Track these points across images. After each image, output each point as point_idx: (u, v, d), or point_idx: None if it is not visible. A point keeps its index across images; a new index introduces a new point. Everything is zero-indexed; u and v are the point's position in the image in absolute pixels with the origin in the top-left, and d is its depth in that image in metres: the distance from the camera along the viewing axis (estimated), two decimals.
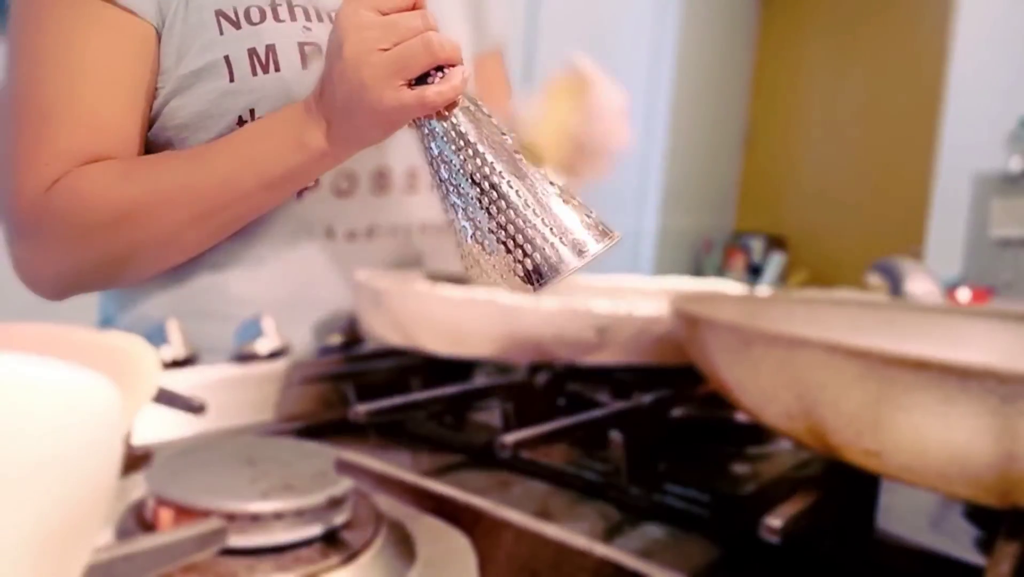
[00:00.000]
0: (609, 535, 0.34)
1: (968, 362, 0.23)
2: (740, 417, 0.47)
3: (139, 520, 0.28)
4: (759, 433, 0.47)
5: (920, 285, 0.62)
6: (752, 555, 0.32)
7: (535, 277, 0.51)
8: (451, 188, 0.52)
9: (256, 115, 0.62)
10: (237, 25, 0.61)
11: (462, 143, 0.51)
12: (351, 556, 0.27)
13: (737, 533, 0.33)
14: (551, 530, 0.23)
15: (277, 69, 0.62)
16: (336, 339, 0.56)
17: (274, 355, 0.53)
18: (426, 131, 0.51)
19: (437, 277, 0.62)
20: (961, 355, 0.24)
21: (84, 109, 0.58)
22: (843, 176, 3.46)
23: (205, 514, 0.26)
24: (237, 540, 0.26)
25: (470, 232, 0.52)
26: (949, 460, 0.25)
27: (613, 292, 0.66)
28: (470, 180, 0.50)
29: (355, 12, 0.52)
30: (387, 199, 0.70)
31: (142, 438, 0.40)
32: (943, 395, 0.24)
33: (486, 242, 0.50)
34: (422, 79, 0.51)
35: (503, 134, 0.53)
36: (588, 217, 0.52)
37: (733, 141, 3.77)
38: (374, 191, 0.69)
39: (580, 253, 0.49)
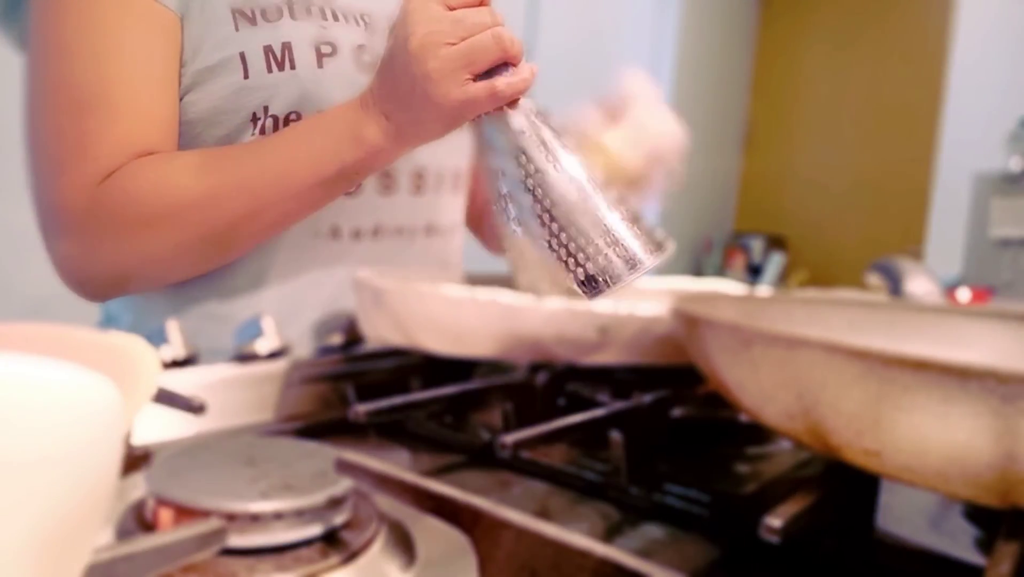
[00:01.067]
0: (609, 535, 0.34)
1: (968, 362, 0.23)
2: (740, 417, 0.47)
3: (139, 520, 0.28)
4: (759, 433, 0.47)
5: (920, 285, 0.62)
6: (752, 555, 0.32)
7: (589, 287, 0.51)
8: (505, 190, 0.51)
9: (270, 112, 0.62)
10: (253, 22, 0.61)
11: (520, 144, 0.51)
12: (351, 556, 0.27)
13: (737, 533, 0.33)
14: (551, 530, 0.23)
15: (292, 67, 0.62)
16: (336, 339, 0.56)
17: (274, 355, 0.53)
18: (485, 129, 0.51)
19: (475, 281, 0.62)
20: (961, 355, 0.24)
21: (129, 99, 0.58)
22: (843, 176, 3.46)
23: (205, 514, 0.26)
24: (237, 540, 0.26)
25: (521, 235, 0.52)
26: (949, 460, 0.25)
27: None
28: (524, 184, 0.50)
29: (424, 6, 0.52)
30: (393, 199, 0.70)
31: (142, 438, 0.40)
32: (943, 395, 0.24)
33: (538, 247, 0.50)
34: (486, 75, 0.51)
35: (562, 138, 0.52)
36: (642, 228, 0.52)
37: (733, 141, 3.77)
38: (380, 191, 0.69)
39: (633, 266, 0.49)
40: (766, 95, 3.74)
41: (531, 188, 0.51)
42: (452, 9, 0.52)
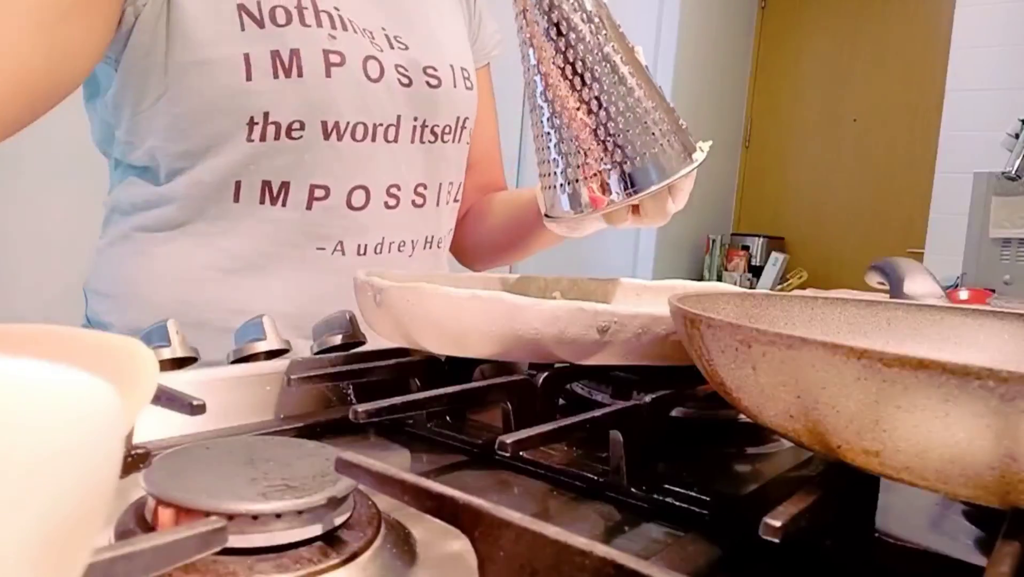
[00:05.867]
0: (609, 535, 0.34)
1: (968, 362, 0.23)
2: (740, 417, 0.47)
3: (139, 520, 0.28)
4: (759, 433, 0.47)
5: (920, 285, 0.62)
6: (752, 555, 0.32)
7: (634, 181, 0.49)
8: (543, 83, 0.49)
9: (271, 119, 0.60)
10: (261, 24, 0.59)
11: (564, 27, 0.48)
12: (351, 556, 0.27)
13: (737, 533, 0.33)
14: (551, 530, 0.23)
15: (300, 75, 0.60)
16: (336, 339, 0.56)
17: (274, 355, 0.53)
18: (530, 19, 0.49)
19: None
20: (961, 355, 0.24)
21: None
22: (843, 176, 3.46)
23: (205, 514, 0.26)
24: (237, 540, 0.26)
25: (556, 138, 0.50)
26: (949, 460, 0.25)
27: (619, 293, 0.66)
28: (593, 60, 0.48)
29: None
30: (396, 213, 0.70)
31: (142, 438, 0.40)
32: (943, 395, 0.24)
33: (579, 144, 0.48)
34: None
35: (608, 19, 0.50)
36: (683, 126, 0.50)
37: (733, 141, 3.77)
38: (386, 206, 0.69)
39: (684, 161, 0.46)
40: (766, 95, 3.74)
41: (578, 68, 0.48)
42: None
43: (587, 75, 0.48)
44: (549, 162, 0.52)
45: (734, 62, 3.69)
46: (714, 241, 3.56)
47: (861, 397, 0.26)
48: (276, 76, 0.60)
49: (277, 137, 0.62)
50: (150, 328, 0.50)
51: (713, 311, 0.35)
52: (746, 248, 3.56)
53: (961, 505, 0.38)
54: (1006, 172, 2.15)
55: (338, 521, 0.28)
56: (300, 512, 0.27)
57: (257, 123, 0.60)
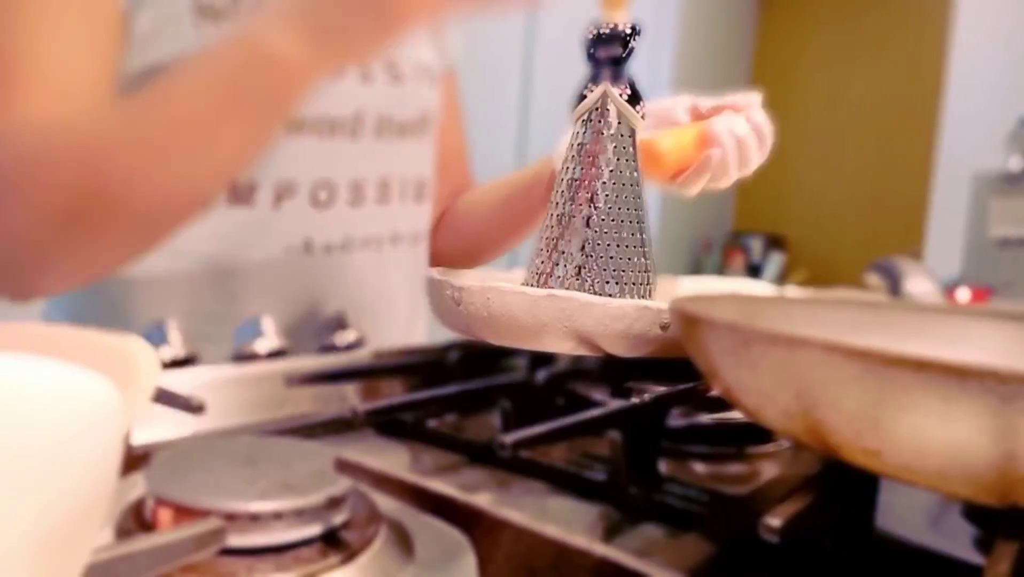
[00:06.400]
0: (608, 535, 0.34)
1: (968, 362, 0.23)
2: (740, 417, 0.47)
3: (138, 520, 0.28)
4: (759, 433, 0.47)
5: (919, 285, 0.62)
6: (751, 554, 0.32)
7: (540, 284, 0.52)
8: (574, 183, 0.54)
9: None
10: (215, 19, 0.59)
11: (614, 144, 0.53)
12: (351, 556, 0.27)
13: (736, 533, 0.33)
14: (551, 530, 0.23)
15: None
16: (336, 339, 0.56)
17: (274, 355, 0.53)
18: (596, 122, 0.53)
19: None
20: (961, 355, 0.24)
21: (38, 73, 0.53)
22: (842, 176, 3.46)
23: (204, 514, 0.26)
24: (236, 540, 0.26)
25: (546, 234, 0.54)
26: (949, 460, 0.25)
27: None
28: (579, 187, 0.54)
29: None
30: (361, 211, 0.70)
31: (142, 438, 0.40)
32: (943, 395, 0.24)
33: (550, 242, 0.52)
34: None
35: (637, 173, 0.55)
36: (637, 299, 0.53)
37: None
38: (351, 203, 0.69)
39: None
40: (765, 95, 3.74)
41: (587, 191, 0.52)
42: None
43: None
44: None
45: (734, 62, 3.69)
46: (713, 240, 3.56)
47: (861, 397, 0.26)
48: None
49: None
50: (150, 328, 0.50)
51: (713, 312, 0.35)
52: (745, 248, 3.56)
53: (960, 504, 0.38)
54: (1006, 172, 2.15)
55: (338, 521, 0.28)
56: (300, 512, 0.27)
57: None
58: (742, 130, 0.66)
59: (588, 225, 0.53)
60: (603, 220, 0.53)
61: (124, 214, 0.51)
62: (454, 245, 0.88)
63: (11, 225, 0.50)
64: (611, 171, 0.53)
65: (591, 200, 0.53)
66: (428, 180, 0.80)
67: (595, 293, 0.51)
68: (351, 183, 0.69)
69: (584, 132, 0.54)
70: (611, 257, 0.53)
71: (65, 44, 0.54)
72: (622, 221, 0.53)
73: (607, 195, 0.53)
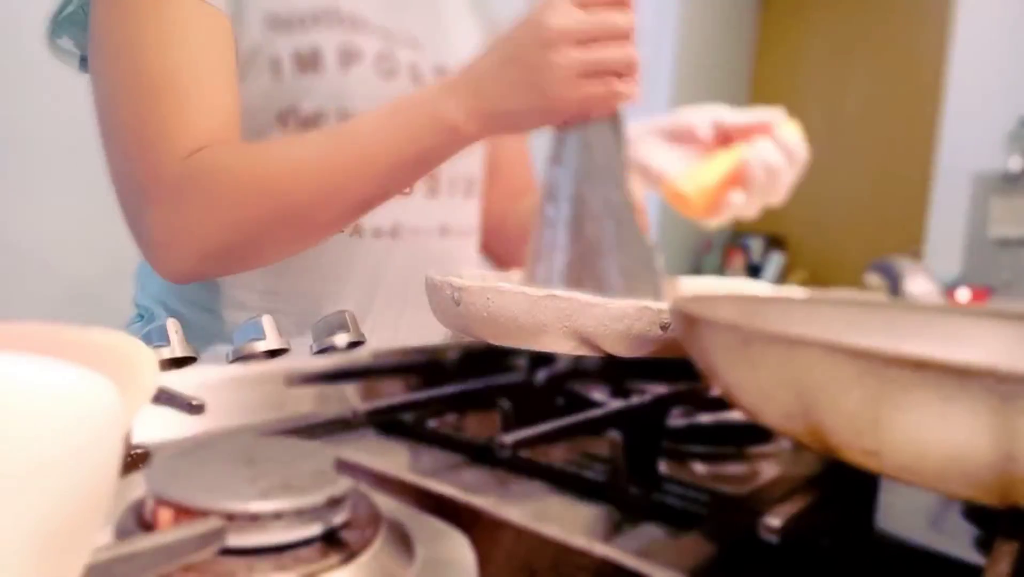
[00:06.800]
0: (608, 535, 0.34)
1: (968, 362, 0.23)
2: (740, 417, 0.47)
3: (138, 520, 0.28)
4: (759, 433, 0.47)
5: (919, 285, 0.62)
6: (751, 554, 0.32)
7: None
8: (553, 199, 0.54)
9: (298, 113, 0.65)
10: (283, 27, 0.64)
11: (590, 156, 0.54)
12: (351, 556, 0.27)
13: (736, 533, 0.33)
14: (550, 530, 0.23)
15: (317, 70, 0.65)
16: (336, 339, 0.56)
17: (274, 355, 0.53)
18: (583, 135, 0.53)
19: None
20: (961, 355, 0.24)
21: (194, 86, 0.60)
22: (843, 176, 3.46)
23: (204, 514, 0.26)
24: (236, 540, 0.26)
25: (544, 246, 0.54)
26: (948, 460, 0.25)
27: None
28: (570, 198, 0.54)
29: (562, 1, 0.53)
30: (408, 201, 0.72)
31: (142, 438, 0.40)
32: (943, 395, 0.24)
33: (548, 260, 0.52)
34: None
35: (625, 170, 0.54)
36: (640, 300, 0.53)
37: None
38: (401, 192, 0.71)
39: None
40: (766, 95, 3.74)
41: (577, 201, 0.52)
42: (586, 6, 0.53)
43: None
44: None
45: (734, 62, 3.69)
46: (713, 240, 3.56)
47: (861, 397, 0.26)
48: (299, 73, 0.65)
49: (304, 129, 0.66)
50: (150, 328, 0.50)
51: (713, 312, 0.35)
52: (745, 248, 3.56)
53: (960, 504, 0.38)
54: (1006, 172, 2.15)
55: (338, 521, 0.28)
56: (300, 512, 0.27)
57: (288, 115, 0.65)
58: (775, 160, 0.66)
59: (577, 228, 0.53)
60: (586, 221, 0.52)
61: (298, 237, 0.61)
62: (511, 248, 0.89)
63: (222, 223, 0.59)
64: (592, 167, 0.53)
65: (577, 201, 0.53)
66: (477, 177, 0.81)
67: (592, 290, 0.52)
68: None
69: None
70: (602, 253, 0.53)
71: (212, 64, 0.61)
72: (604, 220, 0.53)
73: (589, 194, 0.53)
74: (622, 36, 0.53)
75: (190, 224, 0.59)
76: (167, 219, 0.60)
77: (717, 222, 0.67)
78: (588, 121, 0.54)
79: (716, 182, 0.63)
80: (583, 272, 0.53)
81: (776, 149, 0.65)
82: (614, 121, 0.55)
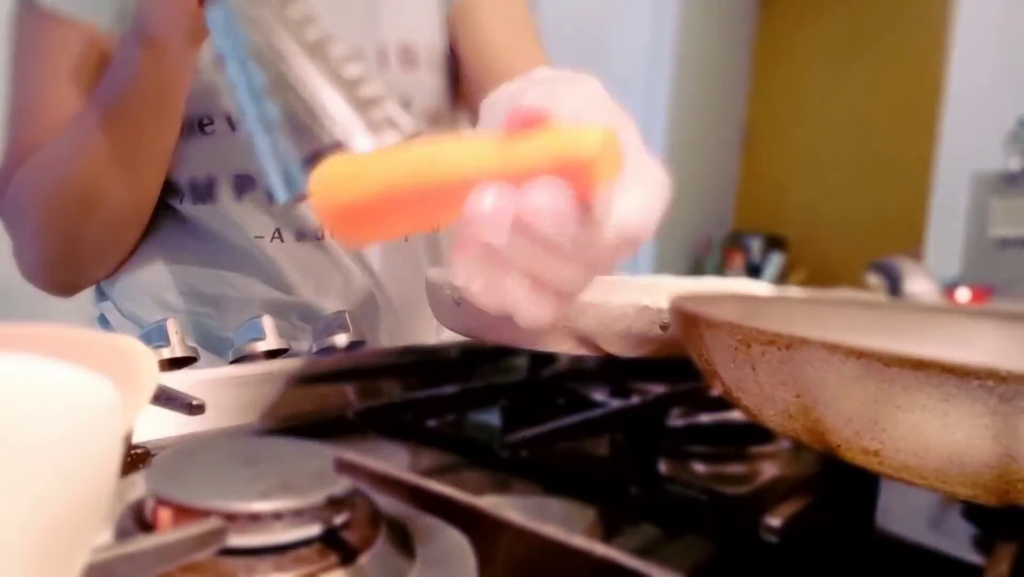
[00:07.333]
0: (608, 535, 0.34)
1: (967, 362, 0.23)
2: (740, 417, 0.47)
3: (138, 520, 0.28)
4: (759, 433, 0.47)
5: (918, 285, 0.62)
6: (751, 554, 0.32)
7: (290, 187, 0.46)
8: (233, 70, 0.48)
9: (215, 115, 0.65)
10: None
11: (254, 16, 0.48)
12: (350, 556, 0.27)
13: (736, 532, 0.33)
14: (551, 530, 0.23)
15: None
16: (336, 339, 0.56)
17: (274, 355, 0.53)
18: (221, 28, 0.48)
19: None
20: (961, 355, 0.24)
21: (36, 112, 0.64)
22: (842, 176, 3.46)
23: (204, 514, 0.26)
24: (236, 540, 0.26)
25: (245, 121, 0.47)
26: (948, 459, 0.25)
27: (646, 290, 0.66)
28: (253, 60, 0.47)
29: None
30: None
31: (142, 438, 0.40)
32: (942, 395, 0.24)
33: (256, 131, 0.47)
34: None
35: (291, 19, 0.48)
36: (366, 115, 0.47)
37: (732, 141, 3.77)
38: None
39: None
40: (766, 95, 3.74)
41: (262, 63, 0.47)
42: None
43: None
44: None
45: (734, 62, 3.69)
46: (713, 240, 3.56)
47: (861, 397, 0.26)
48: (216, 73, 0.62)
49: (190, 134, 0.65)
50: (149, 328, 0.50)
51: (712, 312, 0.35)
52: (745, 247, 3.56)
53: (960, 504, 0.38)
54: (1006, 172, 2.15)
55: (338, 521, 0.28)
56: (299, 512, 0.27)
57: (203, 122, 0.65)
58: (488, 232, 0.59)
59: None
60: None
61: (104, 212, 0.62)
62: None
63: (34, 233, 0.63)
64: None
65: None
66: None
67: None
68: None
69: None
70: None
71: (48, 84, 0.64)
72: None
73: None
74: None
75: (21, 243, 0.64)
76: (14, 243, 0.64)
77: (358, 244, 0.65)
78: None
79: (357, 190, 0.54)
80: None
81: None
82: None
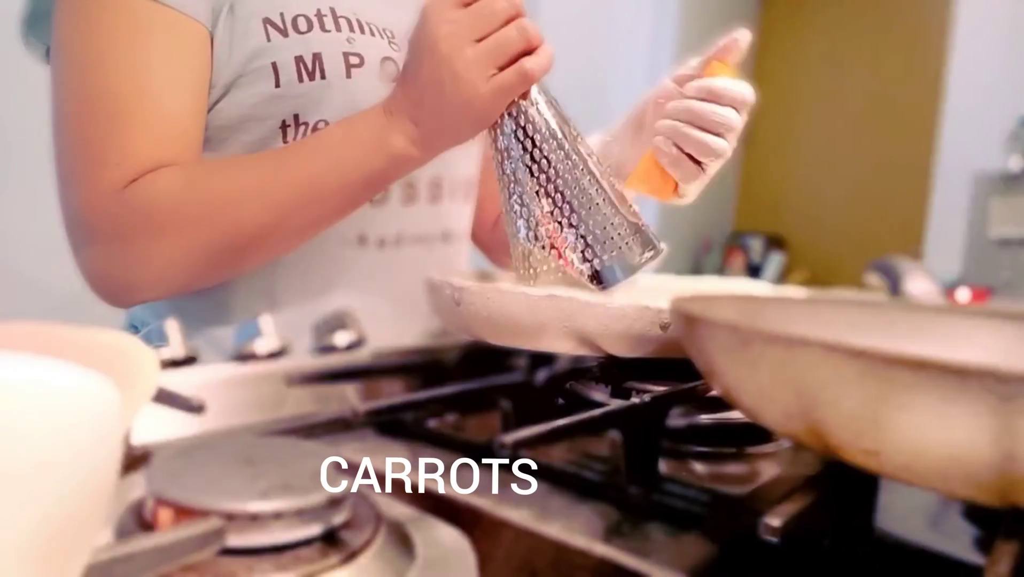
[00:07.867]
0: (608, 535, 0.34)
1: (967, 362, 0.23)
2: (740, 417, 0.47)
3: (138, 520, 0.28)
4: (759, 433, 0.47)
5: (918, 285, 0.62)
6: (751, 554, 0.32)
7: (600, 279, 0.54)
8: (512, 182, 0.55)
9: (300, 120, 0.64)
10: (284, 33, 0.63)
11: (531, 131, 0.54)
12: (351, 556, 0.27)
13: (736, 532, 0.33)
14: (551, 530, 0.23)
15: (323, 77, 0.63)
16: (336, 339, 0.56)
17: (274, 355, 0.53)
18: (505, 124, 0.54)
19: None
20: (961, 355, 0.24)
21: (150, 111, 0.58)
22: (843, 176, 3.46)
23: (204, 514, 0.26)
24: (236, 540, 0.26)
25: (524, 232, 0.54)
26: (948, 460, 0.25)
27: (646, 291, 0.66)
28: (529, 171, 0.54)
29: (440, 8, 0.53)
30: (413, 208, 0.72)
31: (142, 438, 0.40)
32: (942, 395, 0.24)
33: (542, 240, 0.53)
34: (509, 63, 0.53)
35: (573, 130, 0.54)
36: (643, 226, 0.53)
37: None
38: (403, 201, 0.71)
39: (641, 261, 0.50)
40: (766, 95, 3.73)
41: (536, 174, 0.52)
42: (467, 4, 0.53)
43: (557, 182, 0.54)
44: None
45: None
46: (713, 240, 3.56)
47: (861, 397, 0.26)
48: (301, 80, 0.63)
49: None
50: (150, 328, 0.50)
51: (712, 312, 0.35)
52: (745, 248, 3.56)
53: (960, 504, 0.38)
54: (1006, 172, 2.15)
55: (338, 521, 0.28)
56: (299, 512, 0.27)
57: (289, 126, 0.64)
58: (686, 119, 0.65)
59: (541, 195, 0.53)
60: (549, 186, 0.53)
61: (249, 260, 0.61)
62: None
63: (165, 255, 0.58)
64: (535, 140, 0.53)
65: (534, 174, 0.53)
66: (475, 180, 0.81)
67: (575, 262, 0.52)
68: (404, 182, 0.70)
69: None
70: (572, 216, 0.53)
71: (172, 82, 0.59)
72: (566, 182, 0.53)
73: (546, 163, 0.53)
74: (510, 16, 0.53)
75: (121, 261, 0.58)
76: (98, 255, 0.59)
77: (682, 200, 0.67)
78: (514, 104, 0.54)
79: (643, 169, 0.63)
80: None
81: (690, 107, 0.65)
82: (539, 93, 0.55)
